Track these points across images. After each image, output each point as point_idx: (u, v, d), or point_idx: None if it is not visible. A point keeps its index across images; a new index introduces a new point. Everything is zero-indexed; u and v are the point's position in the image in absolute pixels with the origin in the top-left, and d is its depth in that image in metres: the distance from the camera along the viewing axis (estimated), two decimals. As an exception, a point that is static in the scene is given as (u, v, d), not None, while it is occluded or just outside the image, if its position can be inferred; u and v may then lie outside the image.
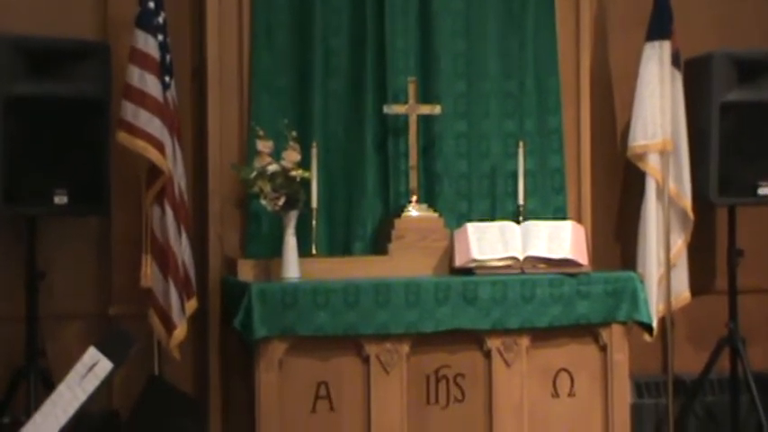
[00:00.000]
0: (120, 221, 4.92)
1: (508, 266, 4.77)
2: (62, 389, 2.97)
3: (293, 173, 4.64)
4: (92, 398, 2.93)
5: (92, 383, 2.90)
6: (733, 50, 5.32)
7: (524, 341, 4.69)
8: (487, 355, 4.67)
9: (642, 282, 4.88)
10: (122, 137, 4.62)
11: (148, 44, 4.63)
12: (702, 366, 5.36)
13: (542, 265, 4.78)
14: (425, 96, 5.05)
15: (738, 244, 5.38)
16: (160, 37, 4.68)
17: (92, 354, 2.99)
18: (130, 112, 4.61)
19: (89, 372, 2.93)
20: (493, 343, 4.66)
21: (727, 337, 5.33)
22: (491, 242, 4.81)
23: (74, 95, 4.66)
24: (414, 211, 4.94)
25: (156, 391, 3.53)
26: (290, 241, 4.63)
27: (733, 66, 5.24)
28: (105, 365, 2.95)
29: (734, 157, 5.23)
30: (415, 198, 4.97)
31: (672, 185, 5.19)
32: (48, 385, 4.40)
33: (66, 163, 4.64)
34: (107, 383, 3.03)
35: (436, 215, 4.97)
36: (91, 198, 4.70)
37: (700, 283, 5.43)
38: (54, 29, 4.81)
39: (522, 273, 4.76)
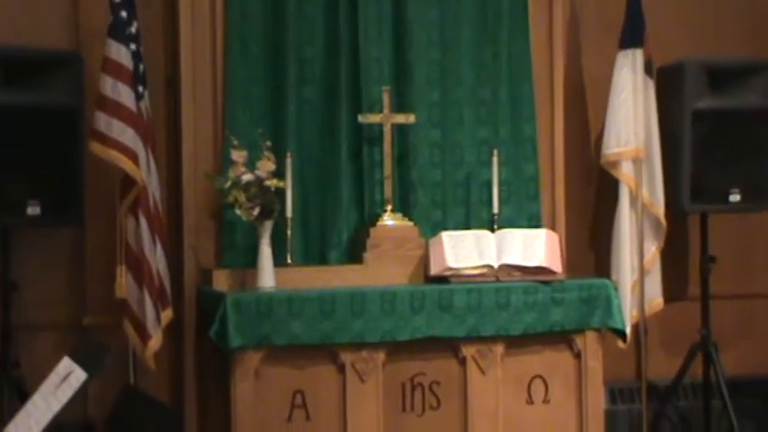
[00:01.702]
0: (95, 232, 4.90)
1: (483, 274, 4.79)
2: (36, 399, 2.97)
3: (268, 182, 4.65)
4: (66, 408, 2.92)
5: (66, 394, 2.89)
6: (705, 58, 5.37)
7: (499, 348, 4.71)
8: (463, 362, 4.69)
9: (616, 289, 4.92)
10: (96, 147, 4.61)
11: (121, 54, 4.62)
12: (675, 372, 5.40)
13: (517, 273, 4.80)
14: (400, 105, 5.06)
15: (711, 250, 5.42)
16: (133, 46, 4.67)
17: (66, 364, 2.98)
18: (104, 122, 4.59)
19: (63, 382, 2.92)
20: (468, 350, 4.68)
21: (699, 343, 5.37)
22: (466, 250, 4.83)
23: (46, 106, 4.64)
24: (389, 220, 4.95)
25: (130, 400, 3.52)
26: (266, 251, 4.63)
27: (705, 73, 5.29)
28: (79, 375, 2.94)
29: (706, 164, 5.28)
30: (390, 207, 4.98)
31: (645, 193, 5.22)
32: (22, 396, 4.38)
33: (39, 174, 4.61)
34: (81, 393, 3.02)
35: (411, 224, 4.98)
36: (64, 209, 4.68)
37: (673, 290, 5.47)
38: (26, 39, 4.80)
39: (497, 281, 4.78)
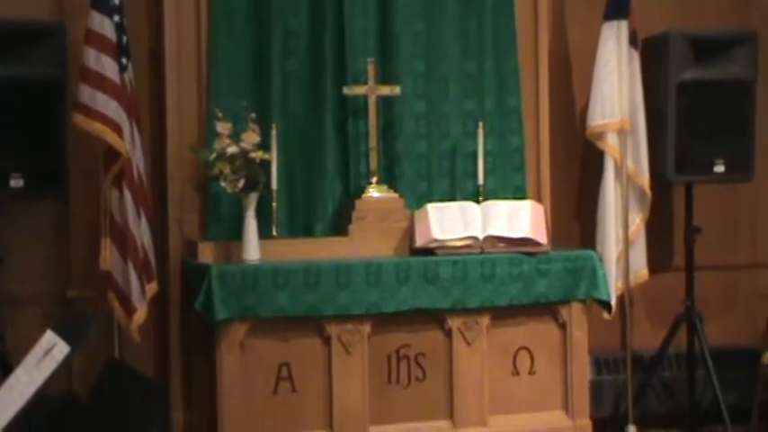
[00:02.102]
0: (79, 204, 4.88)
1: (468, 246, 4.79)
2: (19, 372, 2.96)
3: (253, 155, 4.64)
4: (49, 381, 2.92)
5: (49, 367, 2.89)
6: (689, 30, 5.37)
7: (485, 320, 4.73)
8: (448, 334, 4.70)
9: (601, 260, 4.93)
10: (79, 119, 4.59)
11: (104, 26, 4.59)
12: (660, 343, 5.42)
13: (502, 245, 4.81)
14: (385, 77, 5.05)
15: (695, 221, 5.44)
16: (116, 18, 4.64)
17: (49, 337, 2.97)
18: (87, 94, 4.57)
19: (46, 355, 2.92)
20: (453, 322, 4.69)
21: (684, 314, 5.40)
22: (451, 222, 4.83)
23: (30, 78, 4.61)
24: (374, 192, 4.94)
25: (114, 373, 3.52)
26: (251, 223, 4.63)
27: (689, 45, 5.28)
28: (63, 349, 2.94)
29: (690, 135, 5.28)
30: (375, 179, 4.97)
31: (630, 164, 5.23)
32: (6, 369, 4.36)
33: (23, 146, 4.59)
34: (65, 367, 3.02)
35: (396, 196, 4.98)
36: (48, 181, 4.66)
37: (657, 261, 5.49)
38: (9, 10, 4.75)
39: (483, 252, 4.79)
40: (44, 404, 3.02)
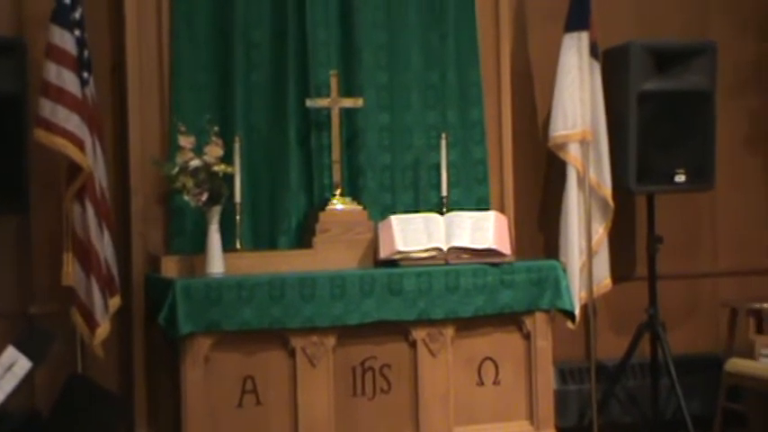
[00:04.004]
0: (40, 219, 4.85)
1: (432, 257, 4.80)
2: (-20, 389, 2.94)
3: (216, 168, 4.62)
4: (11, 397, 2.90)
5: (10, 383, 2.87)
6: (650, 41, 5.43)
7: (449, 331, 4.74)
8: (413, 345, 4.71)
9: (565, 270, 4.96)
10: (40, 134, 4.56)
11: (65, 40, 4.57)
12: (624, 352, 5.46)
13: (466, 256, 4.83)
14: (348, 89, 5.06)
15: (657, 231, 5.49)
16: (77, 32, 4.62)
17: (10, 353, 2.95)
18: (48, 108, 4.54)
19: (7, 371, 2.90)
20: (418, 334, 4.70)
21: (647, 323, 5.44)
22: (415, 234, 4.84)
23: (-10, 93, 4.58)
24: (338, 204, 4.95)
25: (77, 389, 3.50)
26: (214, 237, 4.62)
27: (650, 56, 5.34)
28: (24, 364, 2.92)
29: (651, 145, 5.34)
30: (339, 191, 4.98)
31: (592, 174, 5.26)
32: (-32, 387, 4.33)
33: (-17, 161, 4.57)
34: (28, 382, 3.00)
35: (360, 208, 4.98)
36: (9, 196, 4.63)
37: (620, 270, 5.52)
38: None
39: (447, 263, 4.80)
40: (6, 420, 2.99)
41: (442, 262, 4.80)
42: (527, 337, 4.85)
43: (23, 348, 2.95)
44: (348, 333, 4.61)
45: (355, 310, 4.59)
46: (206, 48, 4.98)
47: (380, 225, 4.90)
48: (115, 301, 4.71)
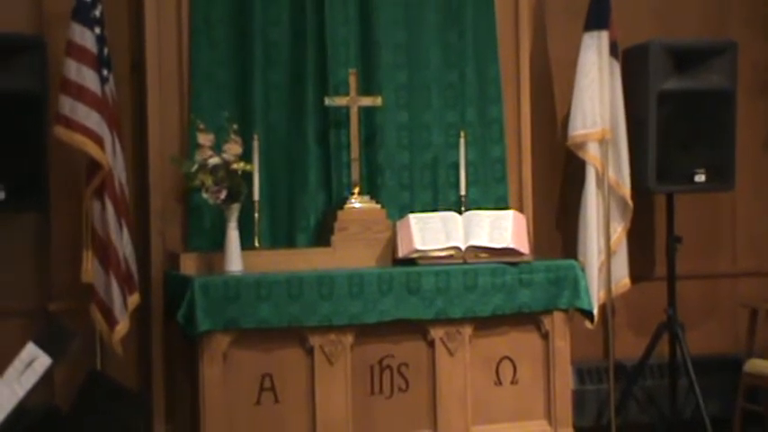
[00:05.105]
0: (60, 217, 4.87)
1: (450, 256, 4.80)
2: (0, 385, 2.95)
3: (235, 166, 4.63)
4: (30, 394, 2.91)
5: (30, 380, 2.88)
6: (669, 40, 5.40)
7: (467, 330, 4.73)
8: (431, 344, 4.70)
9: (583, 269, 4.95)
10: (60, 131, 4.57)
11: (85, 37, 4.58)
12: (642, 352, 5.44)
13: (484, 255, 4.82)
14: (366, 88, 5.06)
15: (676, 231, 5.46)
16: (97, 30, 4.63)
17: (30, 350, 2.96)
18: (68, 106, 4.56)
19: (27, 368, 2.91)
20: (436, 333, 4.70)
21: (666, 323, 5.42)
22: (433, 232, 4.84)
23: (10, 90, 4.59)
24: (356, 202, 4.95)
25: (96, 386, 3.51)
26: (233, 234, 4.62)
27: (669, 55, 5.32)
28: (44, 361, 2.93)
29: (671, 145, 5.32)
30: (357, 190, 4.98)
31: (611, 174, 5.25)
32: (-12, 383, 4.35)
33: (4, 159, 4.57)
34: (47, 379, 3.01)
35: (379, 206, 4.98)
36: (29, 194, 4.64)
37: (639, 270, 5.51)
38: (-11, 23, 4.75)
39: (465, 262, 4.79)
40: (26, 416, 3.00)
41: (461, 261, 4.80)
42: (545, 336, 4.84)
43: (43, 345, 2.96)
44: (366, 331, 4.61)
45: (373, 309, 4.59)
46: (225, 46, 4.99)
47: (399, 224, 4.90)
48: (134, 299, 4.73)
